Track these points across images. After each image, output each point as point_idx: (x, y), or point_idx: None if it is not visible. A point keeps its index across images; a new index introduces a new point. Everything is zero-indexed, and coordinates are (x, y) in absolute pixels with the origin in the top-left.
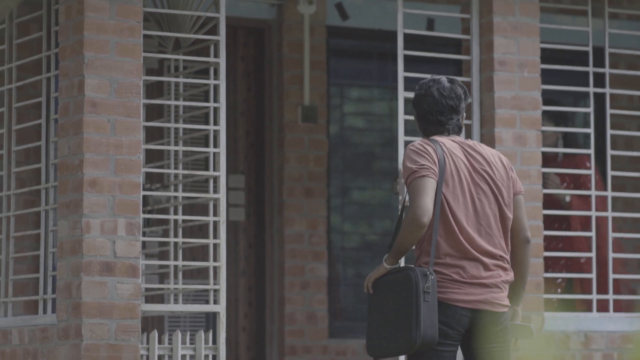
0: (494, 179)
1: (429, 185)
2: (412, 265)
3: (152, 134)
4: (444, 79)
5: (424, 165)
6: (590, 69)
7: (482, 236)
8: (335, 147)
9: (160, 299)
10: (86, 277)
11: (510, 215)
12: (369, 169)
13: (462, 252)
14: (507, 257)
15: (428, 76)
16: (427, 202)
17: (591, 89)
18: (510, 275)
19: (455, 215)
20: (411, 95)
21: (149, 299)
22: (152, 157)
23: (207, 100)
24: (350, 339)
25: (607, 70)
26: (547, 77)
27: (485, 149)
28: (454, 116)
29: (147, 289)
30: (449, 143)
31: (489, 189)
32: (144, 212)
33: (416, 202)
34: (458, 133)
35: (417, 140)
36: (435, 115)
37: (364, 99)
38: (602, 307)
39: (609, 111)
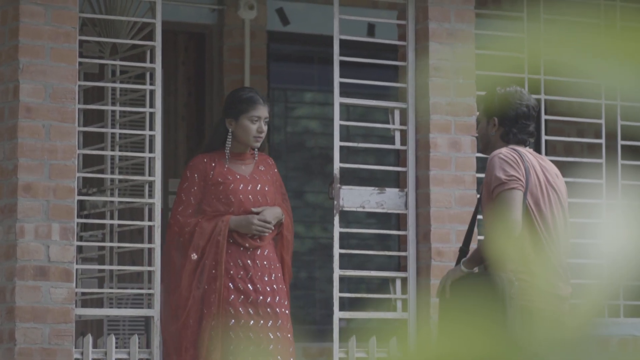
0: (562, 194)
1: (518, 198)
2: (496, 271)
3: (94, 139)
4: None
5: (512, 176)
6: (526, 75)
7: (559, 248)
8: (275, 151)
9: (101, 303)
10: (20, 281)
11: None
12: (310, 172)
13: (545, 261)
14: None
15: (363, 82)
16: (518, 216)
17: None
18: (571, 289)
19: (540, 226)
20: (347, 100)
21: (89, 303)
22: (92, 161)
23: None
24: (299, 342)
25: (542, 77)
26: None
27: (551, 164)
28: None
29: (83, 293)
30: (528, 154)
31: (558, 202)
32: (81, 216)
33: (507, 216)
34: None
35: (504, 149)
36: (528, 126)
37: (305, 104)
38: None
39: (543, 117)
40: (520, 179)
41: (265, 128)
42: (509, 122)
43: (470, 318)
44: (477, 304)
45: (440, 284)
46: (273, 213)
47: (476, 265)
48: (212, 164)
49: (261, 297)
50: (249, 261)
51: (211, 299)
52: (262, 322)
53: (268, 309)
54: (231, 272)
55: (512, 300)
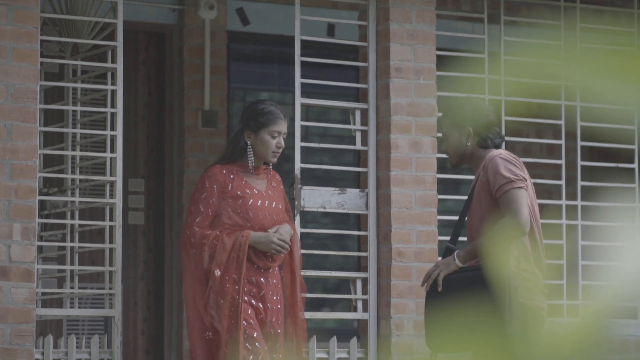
0: (534, 195)
1: (526, 197)
2: (500, 269)
3: (54, 139)
4: None
5: (519, 175)
6: (486, 75)
7: (544, 249)
8: None
9: (59, 302)
10: None
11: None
12: None
13: (538, 261)
14: None
15: (324, 82)
16: (527, 214)
17: (486, 96)
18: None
19: (536, 227)
20: (307, 101)
21: (48, 303)
22: (53, 161)
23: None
24: None
25: (502, 77)
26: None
27: None
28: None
29: (43, 293)
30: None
31: (537, 204)
32: (41, 216)
33: (519, 213)
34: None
35: (502, 151)
36: (499, 131)
37: None
38: None
39: (504, 118)
40: (525, 180)
41: (283, 144)
42: (484, 129)
43: (468, 312)
44: (478, 299)
45: (429, 276)
46: (288, 232)
47: (470, 260)
48: (231, 176)
49: (268, 317)
50: (262, 279)
51: (230, 313)
52: (270, 342)
53: (271, 330)
54: (245, 288)
55: (515, 299)
